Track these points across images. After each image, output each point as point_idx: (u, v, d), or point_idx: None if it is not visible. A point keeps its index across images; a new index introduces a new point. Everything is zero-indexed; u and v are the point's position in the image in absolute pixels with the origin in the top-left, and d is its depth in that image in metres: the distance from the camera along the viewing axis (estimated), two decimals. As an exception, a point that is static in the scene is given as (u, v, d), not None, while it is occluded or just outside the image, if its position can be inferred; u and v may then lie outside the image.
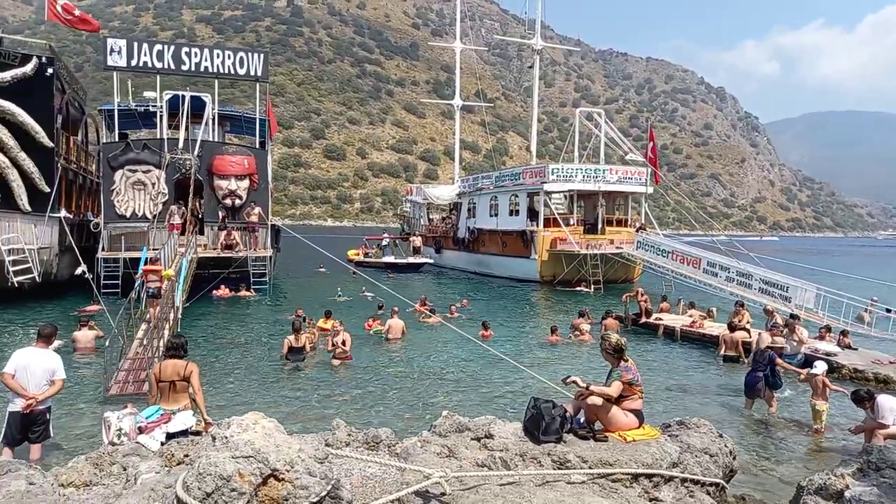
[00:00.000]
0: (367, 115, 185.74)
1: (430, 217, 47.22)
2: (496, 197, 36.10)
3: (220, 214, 26.01)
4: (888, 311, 18.96)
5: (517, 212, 34.03)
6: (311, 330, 14.52)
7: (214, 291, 22.94)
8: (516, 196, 34.24)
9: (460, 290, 28.95)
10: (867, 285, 23.82)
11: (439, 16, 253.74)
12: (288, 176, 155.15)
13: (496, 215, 35.93)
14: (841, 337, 14.69)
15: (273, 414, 7.77)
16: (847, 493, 5.03)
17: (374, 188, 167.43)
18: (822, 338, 14.69)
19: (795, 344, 13.51)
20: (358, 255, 41.14)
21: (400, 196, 79.34)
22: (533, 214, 32.73)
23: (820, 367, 9.52)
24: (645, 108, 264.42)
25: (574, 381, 5.84)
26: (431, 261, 38.84)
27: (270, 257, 25.73)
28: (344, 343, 13.23)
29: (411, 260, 38.66)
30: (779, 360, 10.65)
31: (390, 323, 15.85)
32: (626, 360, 5.98)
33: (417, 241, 41.29)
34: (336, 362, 12.87)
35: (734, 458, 6.15)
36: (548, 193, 31.81)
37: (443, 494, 4.42)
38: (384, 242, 42.96)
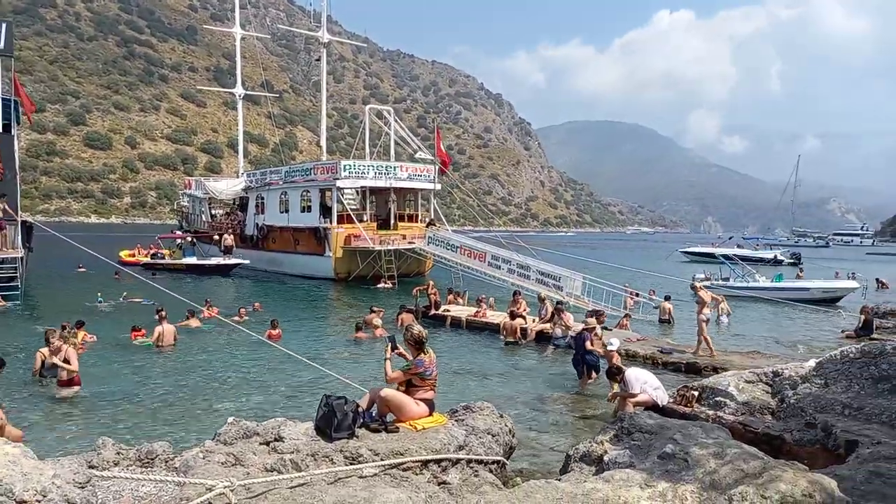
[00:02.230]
0: (138, 101, 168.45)
1: (213, 213, 44.22)
2: (287, 193, 35.02)
3: None
4: (637, 294, 22.13)
5: (309, 208, 33.36)
6: (72, 340, 12.77)
7: None
8: (308, 192, 33.55)
9: (251, 291, 27.62)
10: (620, 272, 27.29)
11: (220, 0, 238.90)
12: (39, 166, 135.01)
13: (287, 211, 34.86)
14: (623, 320, 17.29)
15: (25, 438, 6.72)
16: (606, 457, 5.68)
17: (147, 181, 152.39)
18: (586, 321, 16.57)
19: (563, 328, 15.13)
20: (134, 255, 36.92)
21: (177, 190, 73.13)
22: (326, 211, 32.33)
23: (615, 344, 10.71)
24: (431, 109, 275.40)
25: (390, 352, 6.39)
26: (247, 262, 34.75)
27: (22, 258, 22.16)
28: (67, 362, 10.62)
29: (220, 261, 34.28)
30: (587, 343, 11.77)
31: (159, 329, 14.33)
32: (426, 353, 6.17)
33: (229, 239, 36.38)
34: (62, 392, 10.42)
35: (513, 436, 6.63)
36: (340, 189, 31.65)
37: (228, 506, 4.15)
38: (178, 242, 38.81)
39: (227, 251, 35.24)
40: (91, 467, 4.59)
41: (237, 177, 43.61)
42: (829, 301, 26.04)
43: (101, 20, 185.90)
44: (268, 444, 5.31)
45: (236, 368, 12.72)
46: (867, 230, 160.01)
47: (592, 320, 12.56)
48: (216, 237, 38.04)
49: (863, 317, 17.24)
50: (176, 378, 11.86)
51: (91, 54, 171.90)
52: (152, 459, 4.92)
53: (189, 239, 38.49)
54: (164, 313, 14.88)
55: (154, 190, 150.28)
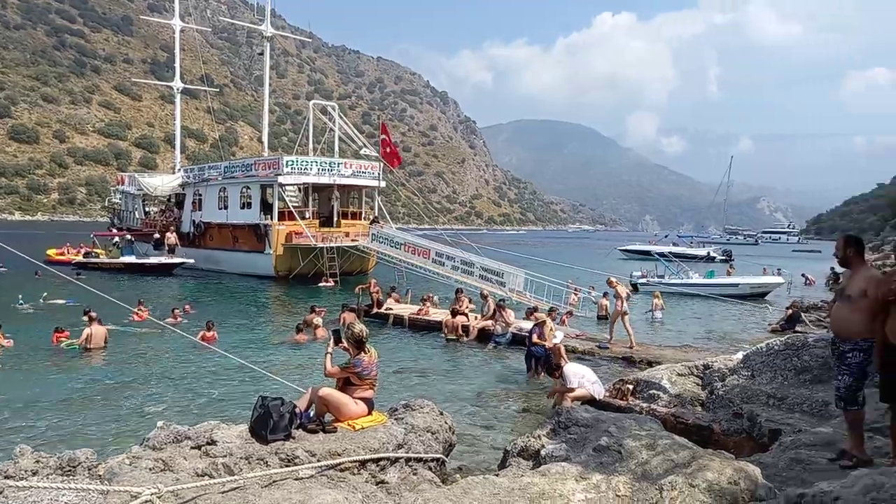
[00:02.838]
0: (68, 93, 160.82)
1: (147, 210, 42.66)
2: (226, 189, 34.13)
3: None
4: (578, 291, 22.57)
5: (249, 204, 32.59)
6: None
7: None
8: (248, 188, 32.78)
9: (187, 291, 26.77)
10: (561, 269, 27.76)
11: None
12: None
13: (226, 208, 33.97)
14: (563, 316, 17.36)
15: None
16: (543, 451, 5.76)
17: (77, 177, 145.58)
18: (528, 317, 16.73)
19: (504, 325, 15.31)
20: (63, 254, 35.09)
21: (110, 186, 70.12)
22: (266, 207, 31.68)
23: (559, 338, 10.87)
24: (377, 106, 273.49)
25: (332, 346, 6.36)
26: (191, 261, 32.95)
27: None
28: None
29: (164, 260, 32.45)
30: (533, 336, 11.96)
31: (89, 331, 13.67)
32: (367, 352, 6.11)
33: (173, 237, 34.48)
34: None
35: (453, 433, 6.65)
36: (282, 186, 31.05)
37: (155, 513, 4.00)
38: (115, 240, 36.95)
39: (171, 250, 33.71)
40: (7, 477, 4.35)
41: (173, 173, 42.23)
42: (757, 296, 27.21)
43: (29, 8, 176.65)
44: (199, 448, 5.15)
45: (169, 371, 12.30)
46: (793, 228, 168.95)
47: (542, 315, 12.73)
48: (157, 235, 36.61)
49: (789, 311, 18.10)
50: (104, 382, 11.38)
51: (18, 43, 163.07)
52: (74, 467, 4.69)
53: (128, 237, 36.83)
54: (93, 314, 14.26)
55: (84, 186, 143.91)
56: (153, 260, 32.84)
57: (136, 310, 16.85)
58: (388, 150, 32.79)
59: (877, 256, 42.04)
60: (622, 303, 14.07)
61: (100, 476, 4.63)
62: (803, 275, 36.78)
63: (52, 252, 34.68)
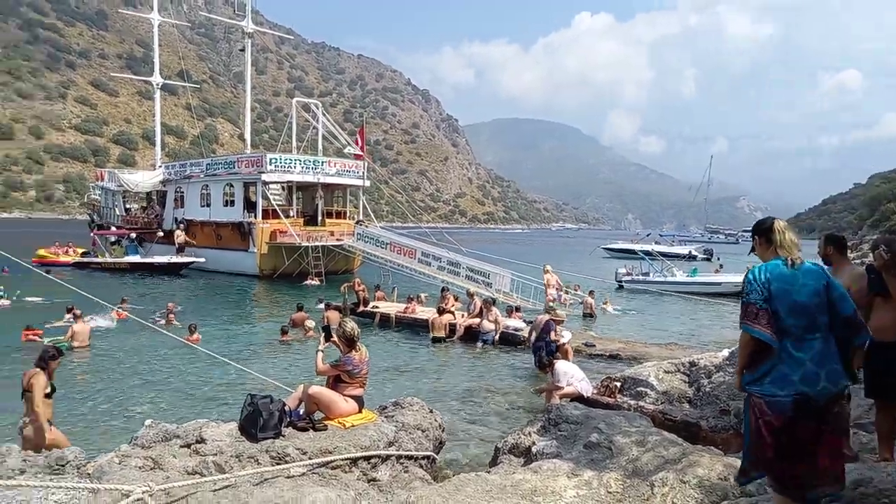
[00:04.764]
0: (43, 89, 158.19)
1: (128, 207, 42.09)
2: (208, 186, 33.77)
3: None
4: (567, 291, 22.66)
5: (232, 202, 32.29)
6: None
7: None
8: (231, 186, 32.46)
9: (172, 290, 26.46)
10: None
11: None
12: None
13: (209, 205, 33.61)
14: (515, 311, 17.10)
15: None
16: (534, 448, 5.79)
17: (54, 173, 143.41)
18: (509, 315, 16.77)
19: (493, 323, 15.35)
20: (56, 253, 34.26)
21: (88, 183, 68.93)
22: (250, 205, 31.41)
23: (567, 337, 10.92)
24: (358, 104, 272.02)
25: (323, 343, 6.38)
26: (202, 260, 31.76)
27: None
28: None
29: (173, 259, 31.44)
30: (552, 332, 11.89)
31: (74, 329, 13.47)
32: (358, 351, 6.10)
33: (182, 236, 33.23)
34: None
35: (443, 431, 6.65)
36: (266, 184, 30.80)
37: (147, 512, 3.96)
38: (113, 239, 35.73)
39: (181, 249, 32.75)
40: (-7, 478, 4.28)
41: (154, 169, 41.72)
42: (740, 294, 27.48)
43: (0, 1, 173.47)
44: (189, 446, 5.11)
45: (155, 370, 12.16)
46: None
47: (561, 312, 12.79)
48: (160, 233, 35.84)
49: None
50: (89, 381, 11.23)
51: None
52: (63, 466, 4.63)
53: (131, 235, 35.99)
54: (77, 312, 14.05)
55: (62, 182, 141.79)
56: (161, 259, 31.96)
57: (117, 307, 16.61)
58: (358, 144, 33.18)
59: (857, 255, 42.70)
60: (549, 289, 15.80)
61: (89, 475, 4.57)
62: None
63: (41, 252, 33.73)
